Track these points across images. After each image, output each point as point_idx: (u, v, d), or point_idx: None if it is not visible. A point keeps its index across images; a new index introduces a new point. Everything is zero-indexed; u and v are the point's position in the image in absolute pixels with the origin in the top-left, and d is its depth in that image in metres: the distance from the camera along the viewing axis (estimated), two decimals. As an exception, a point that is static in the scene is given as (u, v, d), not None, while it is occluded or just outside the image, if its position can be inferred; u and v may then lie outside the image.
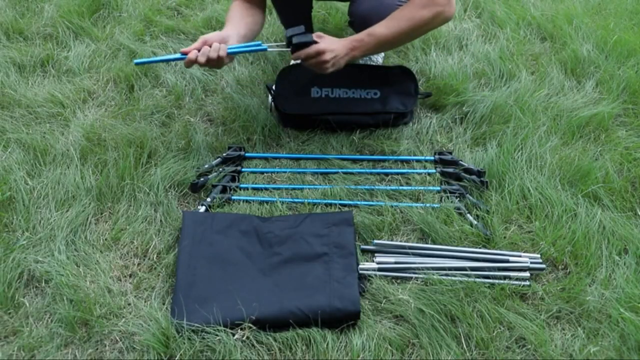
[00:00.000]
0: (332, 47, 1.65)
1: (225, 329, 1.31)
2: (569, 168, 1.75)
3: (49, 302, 1.40)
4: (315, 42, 1.63)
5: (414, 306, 1.38)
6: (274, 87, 1.94)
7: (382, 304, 1.40)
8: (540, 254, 1.51)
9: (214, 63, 1.57)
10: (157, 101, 2.04)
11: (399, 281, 1.47)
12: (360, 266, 1.48)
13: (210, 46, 1.56)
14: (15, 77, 2.13)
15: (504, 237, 1.55)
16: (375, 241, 1.54)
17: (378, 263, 1.49)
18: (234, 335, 1.32)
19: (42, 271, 1.46)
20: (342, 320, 1.35)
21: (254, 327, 1.33)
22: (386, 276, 1.47)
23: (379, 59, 2.21)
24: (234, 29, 1.68)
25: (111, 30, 2.41)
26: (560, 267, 1.50)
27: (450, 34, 2.40)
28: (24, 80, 2.14)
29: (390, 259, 1.50)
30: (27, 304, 1.40)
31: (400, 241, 1.57)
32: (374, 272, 1.47)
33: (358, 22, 1.87)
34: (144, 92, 2.09)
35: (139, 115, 1.97)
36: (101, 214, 1.64)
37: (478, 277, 1.45)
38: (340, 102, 1.90)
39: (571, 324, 1.37)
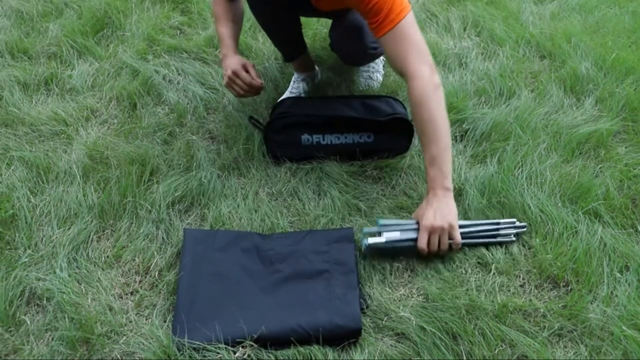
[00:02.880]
0: (427, 219, 1.50)
1: (226, 346, 1.31)
2: (569, 185, 1.75)
3: (50, 320, 1.40)
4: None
5: (415, 323, 1.38)
6: (263, 126, 1.92)
7: (384, 322, 1.40)
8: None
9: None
10: (160, 119, 2.06)
11: (400, 294, 1.46)
12: (369, 240, 1.52)
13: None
14: (19, 96, 2.16)
15: (503, 254, 1.56)
16: (381, 222, 1.57)
17: (386, 238, 1.53)
18: (235, 353, 1.31)
19: (43, 289, 1.46)
20: (343, 337, 1.35)
21: (255, 345, 1.32)
22: (394, 248, 1.54)
23: (379, 77, 2.24)
24: (232, 39, 1.85)
25: (114, 49, 2.44)
26: (561, 284, 1.50)
27: (450, 52, 2.43)
28: (28, 99, 2.16)
29: (396, 234, 1.53)
30: (28, 322, 1.40)
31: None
32: (382, 244, 1.52)
33: (336, 45, 1.97)
34: (146, 110, 2.11)
35: (141, 133, 1.99)
36: (103, 231, 1.65)
37: (472, 239, 1.57)
38: (332, 148, 1.87)
39: (573, 342, 1.37)
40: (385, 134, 1.85)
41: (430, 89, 1.53)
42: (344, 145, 1.86)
